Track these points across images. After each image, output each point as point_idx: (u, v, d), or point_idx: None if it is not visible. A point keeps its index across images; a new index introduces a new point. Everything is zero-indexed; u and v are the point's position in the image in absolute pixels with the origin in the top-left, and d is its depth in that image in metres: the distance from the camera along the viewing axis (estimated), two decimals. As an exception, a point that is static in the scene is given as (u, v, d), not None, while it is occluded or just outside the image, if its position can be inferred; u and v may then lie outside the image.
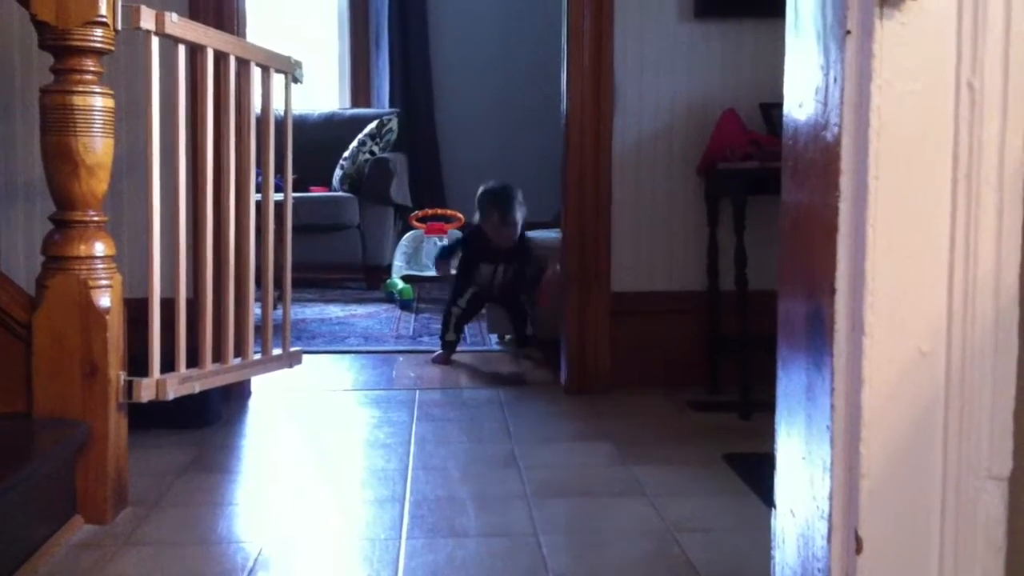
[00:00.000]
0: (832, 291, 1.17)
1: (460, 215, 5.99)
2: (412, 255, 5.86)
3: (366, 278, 6.25)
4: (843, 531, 1.17)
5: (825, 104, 1.20)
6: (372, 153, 6.32)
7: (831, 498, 1.18)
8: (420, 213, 6.19)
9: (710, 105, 3.48)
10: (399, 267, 5.86)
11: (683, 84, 3.54)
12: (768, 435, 1.44)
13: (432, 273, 5.80)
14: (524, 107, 6.76)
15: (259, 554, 2.12)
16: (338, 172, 6.40)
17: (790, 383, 1.34)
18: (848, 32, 1.15)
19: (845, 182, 1.16)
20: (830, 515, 1.18)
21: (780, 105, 1.41)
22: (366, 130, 6.43)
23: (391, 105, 7.15)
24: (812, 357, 1.23)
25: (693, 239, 3.54)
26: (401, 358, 4.17)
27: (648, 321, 3.55)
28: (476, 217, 4.24)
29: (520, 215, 4.14)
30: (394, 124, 6.52)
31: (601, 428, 3.12)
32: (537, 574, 2.02)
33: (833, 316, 1.17)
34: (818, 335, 1.21)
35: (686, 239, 3.56)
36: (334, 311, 5.43)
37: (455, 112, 7.13)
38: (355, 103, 7.36)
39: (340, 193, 6.27)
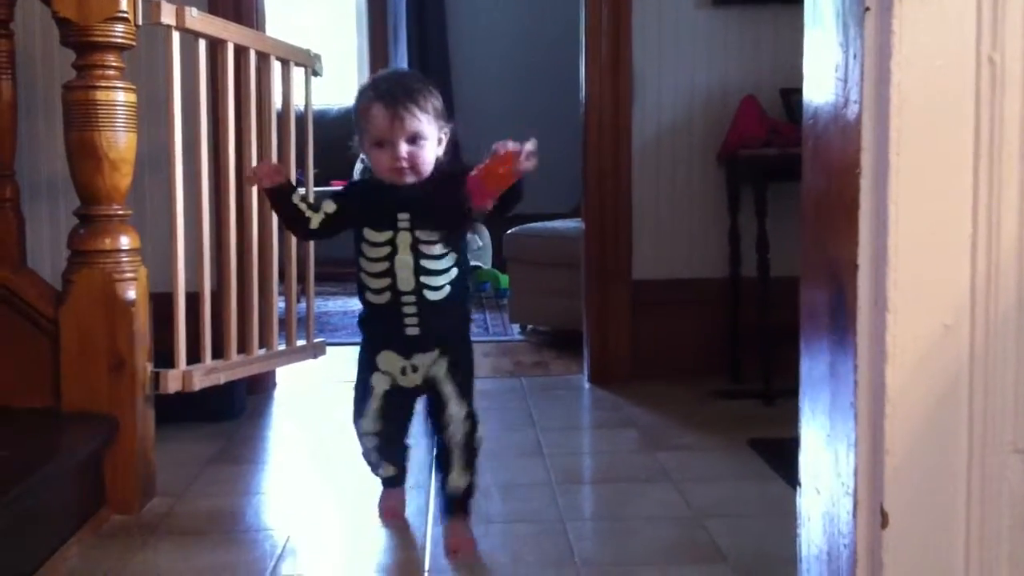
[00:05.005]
0: (854, 268, 1.17)
1: (480, 207, 5.99)
2: (432, 248, 5.86)
3: (388, 272, 6.26)
4: (868, 506, 1.17)
5: (845, 81, 1.20)
6: (392, 147, 6.34)
7: (856, 474, 1.18)
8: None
9: (729, 92, 3.47)
10: (420, 260, 5.86)
11: (702, 72, 3.53)
12: (793, 421, 1.44)
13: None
14: (543, 99, 6.75)
15: (287, 542, 2.13)
16: (359, 166, 6.41)
17: (813, 362, 1.34)
18: (867, 9, 1.15)
19: (866, 159, 1.16)
20: (855, 491, 1.18)
21: (799, 90, 1.41)
22: (386, 124, 6.44)
23: (410, 99, 7.16)
24: (835, 334, 1.23)
25: (714, 227, 3.53)
26: (424, 350, 4.17)
27: (669, 309, 3.54)
28: (355, 140, 2.21)
29: (438, 123, 2.14)
30: (413, 118, 6.52)
31: (625, 416, 3.13)
32: (564, 560, 2.03)
33: (856, 293, 1.17)
34: (841, 312, 1.21)
35: (707, 227, 3.55)
36: (356, 304, 5.44)
37: (474, 105, 7.12)
38: (374, 98, 7.37)
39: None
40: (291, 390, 3.50)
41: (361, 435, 2.22)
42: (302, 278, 3.09)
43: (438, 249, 2.08)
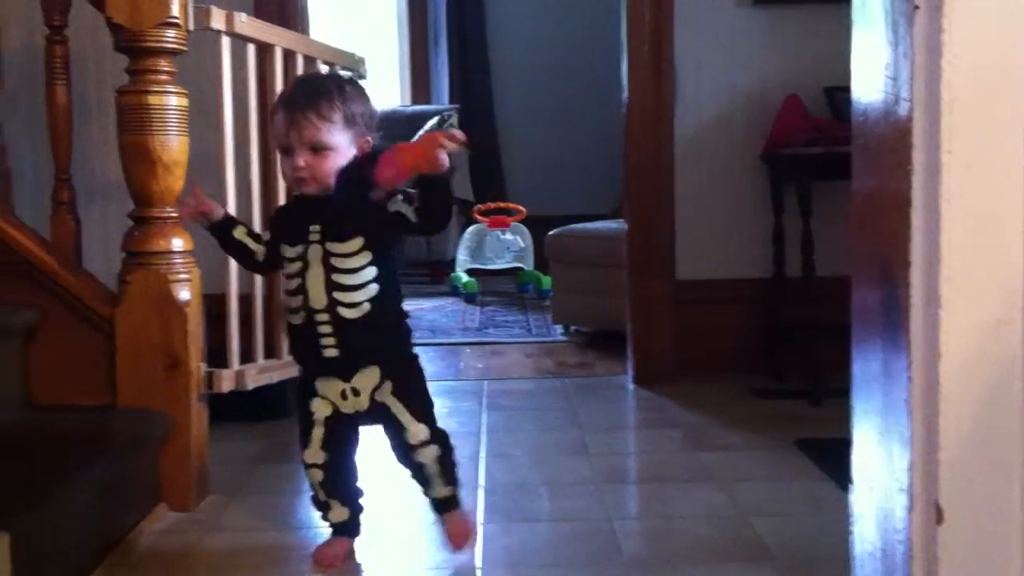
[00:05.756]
0: (907, 265, 1.18)
1: (522, 208, 6.01)
2: (475, 249, 5.90)
3: (431, 273, 6.31)
4: (923, 503, 1.17)
5: (895, 79, 1.21)
6: (433, 149, 6.36)
7: (911, 471, 1.19)
8: (482, 207, 6.21)
9: (772, 91, 3.47)
10: (463, 261, 5.90)
11: (744, 70, 3.53)
12: (841, 421, 1.45)
13: (495, 266, 5.85)
14: (583, 99, 6.77)
15: (338, 539, 2.16)
16: (397, 168, 6.45)
17: (865, 360, 1.35)
18: (916, 7, 1.16)
19: (918, 156, 1.17)
20: (910, 488, 1.19)
21: (844, 88, 1.42)
22: (427, 126, 6.48)
23: (451, 101, 7.20)
24: (887, 332, 1.24)
25: (757, 226, 3.53)
26: (468, 350, 4.21)
27: (713, 309, 3.54)
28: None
29: (351, 132, 1.97)
30: (454, 119, 6.56)
31: (669, 416, 3.13)
32: (612, 557, 2.04)
33: (908, 290, 1.18)
34: (893, 310, 1.22)
35: (750, 226, 3.55)
36: (405, 304, 5.48)
37: (514, 106, 7.16)
38: (415, 100, 7.42)
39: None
40: (337, 390, 3.53)
41: (307, 469, 2.07)
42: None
43: (354, 262, 1.94)
